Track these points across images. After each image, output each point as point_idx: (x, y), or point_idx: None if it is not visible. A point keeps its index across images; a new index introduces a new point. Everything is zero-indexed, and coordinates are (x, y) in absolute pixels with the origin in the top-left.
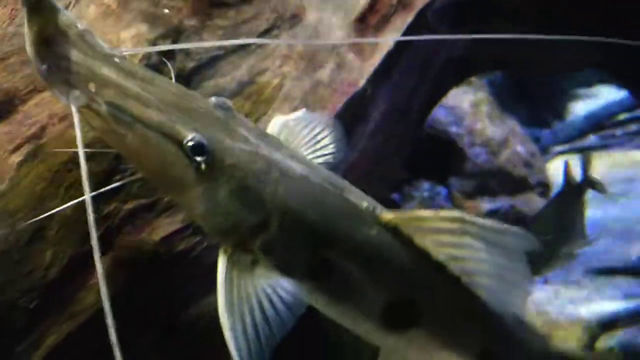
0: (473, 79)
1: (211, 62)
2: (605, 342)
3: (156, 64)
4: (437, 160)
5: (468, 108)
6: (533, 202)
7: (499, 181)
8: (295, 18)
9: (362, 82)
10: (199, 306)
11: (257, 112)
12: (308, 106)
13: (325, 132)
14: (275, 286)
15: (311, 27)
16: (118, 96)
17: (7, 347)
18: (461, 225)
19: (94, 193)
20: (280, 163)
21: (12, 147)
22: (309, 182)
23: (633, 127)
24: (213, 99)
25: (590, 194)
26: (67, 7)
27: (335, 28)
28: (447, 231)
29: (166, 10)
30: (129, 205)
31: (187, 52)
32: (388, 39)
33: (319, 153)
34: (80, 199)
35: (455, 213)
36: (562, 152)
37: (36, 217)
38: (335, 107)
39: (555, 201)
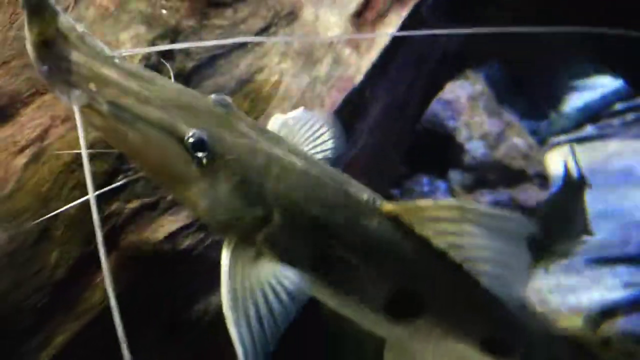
0: (470, 73)
1: (210, 61)
2: (606, 330)
3: (155, 65)
4: (436, 155)
5: (465, 102)
6: (532, 194)
7: (498, 174)
8: (291, 15)
9: (359, 78)
10: (203, 303)
11: (256, 109)
12: (306, 102)
13: (324, 129)
14: (279, 278)
15: (308, 24)
16: (119, 95)
17: (16, 346)
18: (461, 213)
19: (97, 192)
20: (281, 157)
21: (17, 150)
22: (309, 176)
23: (630, 116)
24: (213, 96)
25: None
26: (66, 10)
27: (331, 25)
28: (447, 220)
29: (164, 11)
30: (133, 205)
31: (186, 52)
32: (384, 35)
33: (318, 149)
34: (84, 198)
35: (455, 201)
36: (559, 144)
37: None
38: (333, 103)
39: (554, 197)
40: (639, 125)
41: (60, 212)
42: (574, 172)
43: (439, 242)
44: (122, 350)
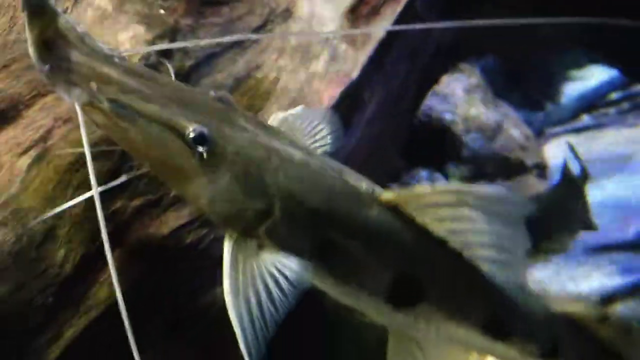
0: (465, 66)
1: (208, 59)
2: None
3: (155, 64)
4: (434, 148)
5: (462, 95)
6: (531, 185)
7: (496, 165)
8: (287, 12)
9: (356, 73)
10: (207, 298)
11: (255, 106)
12: (304, 98)
13: (322, 125)
14: (279, 266)
15: (304, 21)
16: (119, 93)
17: (27, 343)
18: (458, 197)
19: (101, 188)
20: (280, 150)
21: (20, 151)
22: (309, 167)
23: (626, 105)
24: (212, 93)
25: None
26: (64, 11)
27: (327, 20)
28: (445, 204)
29: (161, 11)
30: (136, 202)
31: (184, 51)
32: (380, 29)
33: (317, 144)
34: (89, 193)
35: (451, 185)
36: (557, 134)
37: (48, 218)
38: (331, 97)
39: (549, 194)
40: (635, 113)
41: (66, 209)
42: (572, 168)
43: (438, 228)
44: (130, 343)
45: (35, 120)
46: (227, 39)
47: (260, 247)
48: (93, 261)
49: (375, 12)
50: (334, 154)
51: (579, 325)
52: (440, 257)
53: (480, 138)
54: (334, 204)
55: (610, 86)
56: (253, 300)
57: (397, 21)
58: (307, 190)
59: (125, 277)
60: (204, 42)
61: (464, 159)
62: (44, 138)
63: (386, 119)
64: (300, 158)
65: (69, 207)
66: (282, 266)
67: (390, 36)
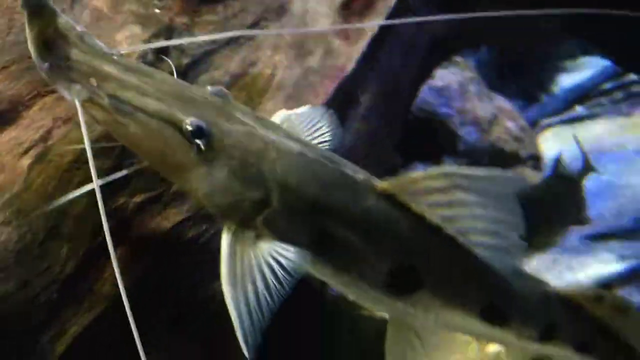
0: (460, 59)
1: (204, 57)
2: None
3: (152, 62)
4: (430, 142)
5: (456, 88)
6: (526, 175)
7: (492, 157)
8: (281, 9)
9: (350, 67)
10: (208, 291)
11: (251, 102)
12: (300, 93)
13: (322, 122)
14: (276, 255)
15: (298, 17)
16: (118, 88)
17: (33, 338)
18: (450, 180)
19: (102, 181)
20: (277, 142)
21: (22, 151)
22: (306, 158)
23: (619, 95)
24: (210, 88)
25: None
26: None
27: (321, 16)
28: (438, 190)
29: (157, 10)
30: (137, 199)
31: (181, 49)
32: (374, 24)
33: (317, 141)
34: (89, 185)
35: (443, 168)
36: (551, 125)
37: (50, 215)
38: (326, 92)
39: (544, 185)
40: (629, 102)
41: (67, 209)
42: (566, 163)
43: (434, 215)
44: (135, 337)
45: (35, 121)
46: (225, 34)
47: (258, 237)
48: (96, 257)
49: (368, 6)
50: (333, 152)
51: (575, 305)
52: (436, 245)
53: (476, 131)
54: (330, 194)
55: (603, 76)
56: (250, 290)
57: (391, 15)
58: (304, 180)
59: (128, 272)
60: (201, 38)
61: (460, 152)
62: (44, 138)
63: (381, 114)
64: (297, 150)
65: (70, 206)
66: (279, 255)
67: (384, 30)
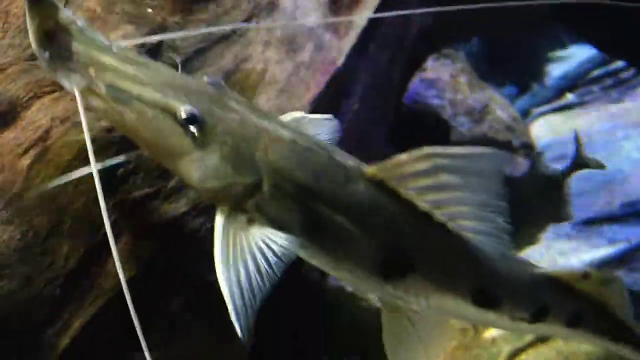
0: (450, 51)
1: (197, 54)
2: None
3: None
4: (423, 134)
5: (448, 80)
6: (519, 164)
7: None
8: (271, 5)
9: (341, 60)
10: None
11: (244, 97)
12: (292, 87)
13: (323, 121)
14: (267, 240)
15: (287, 12)
16: (116, 78)
17: (38, 332)
18: (434, 161)
19: (100, 165)
20: (269, 129)
21: (21, 151)
22: (297, 145)
23: (608, 82)
24: (206, 78)
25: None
26: None
27: (310, 11)
28: (424, 173)
29: (149, 10)
30: (135, 195)
31: (173, 47)
32: (364, 17)
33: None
34: (87, 168)
35: (425, 150)
36: (542, 114)
37: (51, 214)
38: (318, 85)
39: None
40: (618, 89)
41: (67, 207)
42: (544, 162)
43: (422, 199)
44: (136, 326)
45: (33, 121)
46: (219, 28)
47: (250, 221)
48: (98, 252)
49: (356, 0)
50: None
51: (564, 284)
52: (426, 229)
53: (468, 121)
54: (321, 180)
55: (591, 64)
56: (242, 272)
57: (380, 7)
58: (295, 166)
59: (129, 265)
60: (196, 32)
61: (453, 143)
62: (42, 138)
63: (373, 105)
64: (289, 137)
65: (71, 202)
66: (269, 240)
67: (373, 23)
